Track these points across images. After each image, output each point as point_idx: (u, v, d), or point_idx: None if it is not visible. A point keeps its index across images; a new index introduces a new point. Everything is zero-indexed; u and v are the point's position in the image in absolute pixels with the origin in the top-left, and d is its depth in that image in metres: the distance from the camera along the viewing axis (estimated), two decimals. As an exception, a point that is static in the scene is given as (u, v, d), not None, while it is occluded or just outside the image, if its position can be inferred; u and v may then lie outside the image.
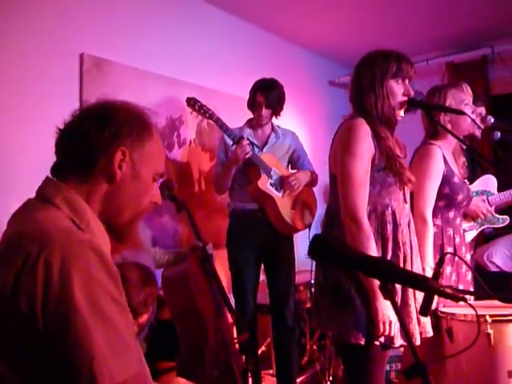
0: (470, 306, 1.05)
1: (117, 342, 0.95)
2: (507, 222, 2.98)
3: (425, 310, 1.58)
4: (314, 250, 0.97)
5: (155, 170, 1.22)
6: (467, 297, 2.48)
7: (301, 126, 4.90)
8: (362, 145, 1.91)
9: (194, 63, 3.86)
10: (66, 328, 0.91)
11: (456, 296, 0.94)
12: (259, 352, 3.81)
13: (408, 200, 2.07)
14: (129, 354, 0.97)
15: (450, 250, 2.37)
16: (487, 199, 2.90)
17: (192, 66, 3.84)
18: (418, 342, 1.95)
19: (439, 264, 1.48)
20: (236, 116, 3.52)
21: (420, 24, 4.56)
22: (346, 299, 1.89)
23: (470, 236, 2.86)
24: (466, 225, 2.82)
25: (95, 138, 1.12)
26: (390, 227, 1.95)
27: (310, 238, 3.23)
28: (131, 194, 1.17)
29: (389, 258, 1.92)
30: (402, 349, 2.37)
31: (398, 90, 1.98)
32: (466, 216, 2.82)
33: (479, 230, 2.90)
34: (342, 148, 1.96)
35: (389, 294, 0.93)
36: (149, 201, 1.22)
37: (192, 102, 3.18)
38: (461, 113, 2.10)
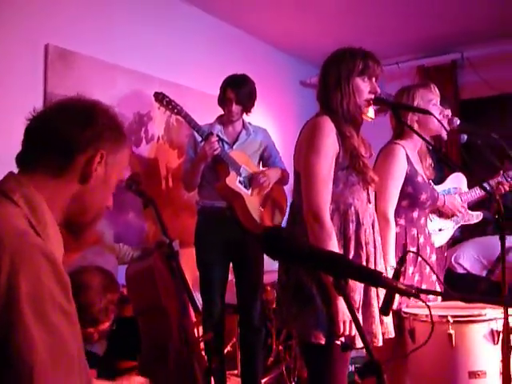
0: (423, 302, 1.03)
1: (61, 354, 0.92)
2: (481, 218, 3.00)
3: (385, 309, 1.57)
4: (266, 244, 0.93)
5: (120, 177, 1.23)
6: (432, 297, 2.50)
7: (272, 125, 4.88)
8: (326, 143, 1.90)
9: (165, 59, 3.80)
10: (8, 335, 0.88)
11: (409, 292, 0.92)
12: (225, 352, 3.77)
13: (372, 200, 2.06)
14: (71, 368, 0.93)
15: (413, 249, 2.37)
16: (460, 197, 2.92)
17: (162, 62, 3.78)
18: (380, 343, 1.94)
19: (400, 263, 1.46)
20: (207, 113, 3.47)
21: (392, 27, 4.60)
22: (307, 298, 1.87)
23: (447, 235, 2.87)
24: (442, 223, 2.84)
25: (75, 136, 1.11)
26: (352, 226, 1.93)
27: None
28: (99, 197, 1.17)
29: (351, 257, 1.91)
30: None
31: (365, 87, 1.97)
32: (442, 215, 2.83)
33: (455, 227, 2.92)
34: (306, 145, 1.94)
35: (341, 291, 0.90)
36: (105, 205, 1.22)
37: (160, 97, 3.11)
38: (427, 112, 2.10)
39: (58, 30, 3.12)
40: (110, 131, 1.15)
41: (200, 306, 3.31)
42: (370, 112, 4.84)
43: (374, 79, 1.99)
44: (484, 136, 2.44)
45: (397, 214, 2.39)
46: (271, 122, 4.89)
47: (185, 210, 3.82)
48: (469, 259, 3.66)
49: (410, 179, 2.42)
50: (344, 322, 1.81)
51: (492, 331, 2.08)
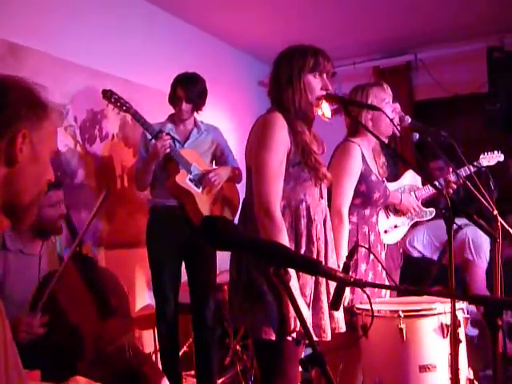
0: (363, 291, 1.03)
1: None
2: (433, 215, 3.06)
3: (335, 303, 1.58)
4: (205, 232, 0.92)
5: (52, 149, 1.17)
6: (384, 293, 2.53)
7: (230, 124, 4.86)
8: (277, 138, 1.89)
9: (119, 56, 3.73)
10: None
11: (347, 281, 0.92)
12: (181, 353, 3.73)
13: (324, 196, 2.06)
14: None
15: (364, 250, 2.39)
16: (415, 194, 2.97)
17: (117, 59, 3.70)
18: (328, 338, 1.94)
19: (349, 257, 1.48)
20: (161, 111, 3.42)
21: (348, 28, 4.66)
22: (257, 295, 1.86)
23: (402, 231, 2.92)
24: (397, 220, 2.88)
25: None
26: (303, 222, 1.93)
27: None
28: (31, 176, 1.11)
29: (302, 252, 1.91)
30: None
31: (316, 84, 1.98)
32: (398, 212, 2.88)
33: (410, 224, 2.97)
34: (257, 141, 1.94)
35: (281, 280, 0.89)
36: (45, 180, 1.17)
37: (108, 95, 3.06)
38: (377, 109, 2.12)
39: (8, 24, 3.02)
40: (27, 108, 1.09)
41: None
42: (327, 112, 4.89)
43: (324, 75, 2.00)
44: (434, 134, 2.48)
45: (350, 211, 2.40)
46: (229, 121, 4.87)
47: (140, 210, 3.75)
48: (421, 242, 3.73)
49: (364, 178, 2.45)
50: (295, 318, 1.80)
51: (442, 325, 2.12)
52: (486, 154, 3.32)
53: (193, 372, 3.63)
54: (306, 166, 1.94)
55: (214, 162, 3.45)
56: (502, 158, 3.35)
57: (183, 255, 3.25)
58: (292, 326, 1.79)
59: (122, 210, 3.69)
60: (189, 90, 3.18)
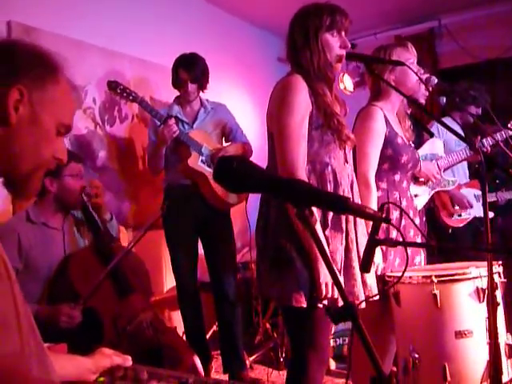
0: (394, 226, 0.97)
1: None
2: (457, 184, 2.96)
3: (366, 265, 1.51)
4: (220, 173, 0.85)
5: (59, 120, 1.07)
6: (417, 262, 2.45)
7: (250, 102, 4.80)
8: (299, 101, 1.83)
9: (136, 36, 3.69)
10: None
11: (377, 217, 0.85)
12: (211, 332, 3.72)
13: (349, 160, 1.99)
14: (5, 331, 0.82)
15: (396, 213, 2.31)
16: (436, 163, 2.88)
17: (133, 39, 3.66)
18: (363, 305, 1.88)
19: (380, 210, 1.40)
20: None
21: (368, -1, 4.52)
22: (286, 261, 1.80)
23: (423, 200, 2.83)
24: (418, 189, 2.79)
25: None
26: (330, 186, 1.87)
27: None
28: (29, 142, 1.03)
29: (330, 219, 1.85)
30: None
31: (335, 43, 1.90)
32: (418, 180, 2.79)
33: (431, 193, 2.88)
34: (277, 105, 1.88)
35: (306, 222, 0.83)
36: (51, 155, 1.08)
37: (113, 86, 3.08)
38: (401, 64, 2.04)
39: (23, 7, 3.01)
40: (30, 66, 1.02)
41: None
42: (349, 85, 4.78)
43: (343, 33, 1.91)
44: (463, 94, 2.37)
45: (378, 177, 2.33)
46: (249, 98, 4.81)
47: (163, 191, 3.73)
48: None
49: (389, 141, 2.36)
50: (326, 284, 1.75)
51: (477, 289, 2.04)
52: None
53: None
54: (328, 128, 1.87)
55: (223, 139, 3.43)
56: None
57: (199, 233, 3.27)
58: (324, 293, 1.74)
59: (146, 191, 3.67)
60: (191, 71, 3.19)
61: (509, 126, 3.05)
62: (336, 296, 1.78)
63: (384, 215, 1.39)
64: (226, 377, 3.25)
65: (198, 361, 2.47)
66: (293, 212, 1.69)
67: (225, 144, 3.43)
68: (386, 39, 4.94)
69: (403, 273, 1.31)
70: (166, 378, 1.36)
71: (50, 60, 1.09)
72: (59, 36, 3.14)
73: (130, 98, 3.09)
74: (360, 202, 2.05)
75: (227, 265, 3.28)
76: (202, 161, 3.19)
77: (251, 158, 3.38)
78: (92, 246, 2.42)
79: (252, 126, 4.18)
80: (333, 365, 3.66)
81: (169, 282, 3.83)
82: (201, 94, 3.34)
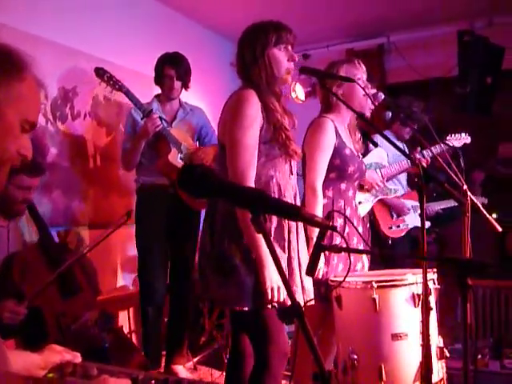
0: (339, 233, 1.05)
1: None
2: (398, 193, 3.12)
3: (311, 269, 1.61)
4: (182, 179, 0.92)
5: (24, 117, 1.09)
6: (359, 268, 2.57)
7: (203, 106, 4.84)
8: (252, 114, 1.92)
9: (92, 33, 3.66)
10: None
11: (325, 225, 0.94)
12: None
13: (294, 172, 2.09)
14: None
15: (340, 220, 2.42)
16: (380, 171, 3.02)
17: (90, 36, 3.63)
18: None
19: (327, 218, 1.50)
20: (137, 92, 3.39)
21: (321, 11, 4.65)
22: (230, 267, 1.89)
23: (367, 207, 2.97)
24: (361, 196, 2.93)
25: None
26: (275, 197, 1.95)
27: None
28: None
29: (273, 228, 1.94)
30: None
31: (282, 57, 2.01)
32: (362, 188, 2.92)
33: (374, 201, 3.03)
34: (231, 117, 1.95)
35: (261, 228, 0.90)
36: (16, 151, 1.09)
37: (101, 73, 3.11)
38: (351, 80, 2.15)
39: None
40: None
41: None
42: (300, 94, 4.91)
43: (289, 47, 2.02)
44: (406, 110, 2.52)
45: (325, 185, 2.43)
46: (202, 103, 4.84)
47: (114, 190, 3.73)
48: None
49: (338, 152, 2.47)
50: (272, 289, 1.83)
51: (413, 295, 2.17)
52: (453, 135, 3.40)
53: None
54: (276, 142, 1.96)
55: (198, 141, 3.50)
56: (468, 140, 3.43)
57: (172, 232, 3.31)
58: (269, 297, 1.82)
59: (96, 190, 3.65)
60: (178, 68, 3.27)
61: (446, 141, 3.24)
62: (282, 300, 1.87)
63: (330, 223, 1.49)
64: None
65: (144, 359, 2.51)
66: (242, 218, 1.77)
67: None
68: (337, 52, 5.12)
69: (345, 277, 1.41)
70: (116, 374, 1.39)
71: (16, 57, 1.11)
72: (15, 30, 3.09)
73: (116, 86, 3.11)
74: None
75: (190, 264, 3.35)
76: (180, 158, 3.24)
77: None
78: (38, 244, 2.41)
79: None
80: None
81: (113, 282, 3.82)
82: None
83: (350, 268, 1.95)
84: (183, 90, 3.38)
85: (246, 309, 1.87)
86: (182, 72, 3.29)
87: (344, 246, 2.45)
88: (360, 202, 2.89)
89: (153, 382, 1.36)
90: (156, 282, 3.22)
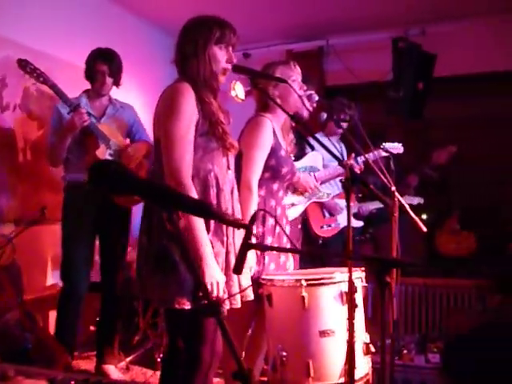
0: (253, 234, 1.07)
1: None
2: (331, 197, 3.18)
3: (238, 267, 1.62)
4: (94, 177, 0.90)
5: None
6: (291, 267, 2.62)
7: (142, 101, 4.76)
8: (186, 108, 1.90)
9: (21, 21, 3.52)
10: None
11: (236, 223, 0.95)
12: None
13: (232, 167, 2.09)
14: None
15: (271, 220, 2.45)
16: (314, 175, 3.08)
17: (19, 24, 3.50)
18: (239, 305, 2.00)
19: (251, 221, 1.51)
20: (67, 84, 3.29)
21: (262, 11, 4.69)
22: (170, 265, 1.86)
23: (299, 209, 3.01)
24: (295, 198, 2.97)
25: None
26: (213, 192, 1.95)
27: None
28: None
29: (212, 224, 1.93)
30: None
31: (221, 56, 2.00)
32: (296, 190, 2.96)
33: (307, 203, 3.07)
34: (165, 111, 1.93)
35: (175, 225, 0.90)
36: None
37: (23, 64, 2.99)
38: (283, 81, 2.18)
39: None
40: None
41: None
42: (240, 93, 4.93)
43: (230, 48, 2.02)
44: (339, 111, 2.58)
45: (258, 185, 2.45)
46: (140, 98, 4.77)
47: (44, 185, 3.61)
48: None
49: (273, 152, 2.49)
50: (211, 284, 1.84)
51: (341, 292, 2.22)
52: (387, 144, 3.49)
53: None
54: (213, 135, 1.96)
55: (127, 139, 3.43)
56: (401, 150, 3.53)
57: (98, 231, 3.25)
58: (209, 291, 1.81)
59: (25, 185, 3.53)
60: (111, 64, 3.20)
61: (381, 146, 3.34)
62: (221, 295, 1.87)
63: (254, 222, 1.51)
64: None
65: (70, 360, 2.45)
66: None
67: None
68: (278, 52, 5.18)
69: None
70: (34, 375, 1.36)
71: None
72: None
73: (41, 79, 3.00)
74: (239, 207, 2.16)
75: (121, 262, 3.32)
76: (109, 154, 3.17)
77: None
78: None
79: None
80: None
81: (43, 280, 3.71)
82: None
83: (277, 264, 1.99)
84: (114, 86, 3.32)
85: (187, 307, 1.84)
86: (114, 68, 3.23)
87: (276, 245, 2.50)
88: (293, 204, 2.94)
89: (72, 382, 1.34)
90: (78, 280, 3.15)
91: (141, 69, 4.81)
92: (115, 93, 3.40)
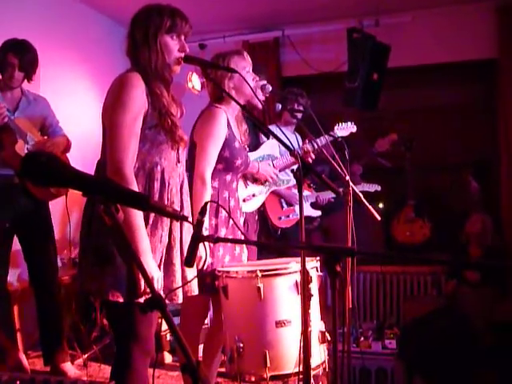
0: (190, 223, 1.06)
1: None
2: (290, 184, 3.18)
3: (189, 260, 1.60)
4: (26, 168, 0.87)
5: None
6: (246, 258, 2.62)
7: (92, 92, 4.67)
8: (133, 97, 1.85)
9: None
10: None
11: (176, 215, 0.93)
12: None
13: (182, 160, 2.05)
14: None
15: (224, 212, 2.43)
16: (272, 163, 3.08)
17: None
18: (180, 300, 1.97)
19: (201, 213, 1.49)
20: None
21: (219, 2, 4.64)
22: (107, 257, 1.83)
23: (260, 199, 3.00)
24: (255, 189, 2.96)
25: None
26: (156, 185, 1.91)
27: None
28: None
29: (151, 217, 1.89)
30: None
31: (174, 46, 1.96)
32: (256, 181, 2.95)
33: (268, 192, 3.07)
34: (112, 101, 1.88)
35: (112, 218, 0.88)
36: None
37: None
38: (235, 71, 2.16)
39: None
40: None
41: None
42: (197, 85, 4.89)
43: (182, 37, 1.98)
44: (292, 101, 2.58)
45: (212, 176, 2.43)
46: (92, 88, 4.68)
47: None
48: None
49: (227, 144, 2.48)
50: (151, 279, 1.80)
51: (296, 283, 2.23)
52: (339, 124, 3.52)
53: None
54: (162, 128, 1.92)
55: (41, 132, 3.31)
56: (354, 129, 3.57)
57: (16, 227, 3.17)
58: (142, 289, 1.79)
59: None
60: (22, 57, 3.06)
61: (331, 132, 3.35)
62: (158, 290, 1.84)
63: (204, 214, 1.49)
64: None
65: (23, 358, 2.39)
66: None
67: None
68: (234, 43, 5.15)
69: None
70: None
71: None
72: None
73: None
74: (190, 200, 2.14)
75: (51, 257, 3.26)
76: (27, 149, 3.10)
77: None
78: None
79: (93, 117, 4.08)
80: (168, 358, 3.73)
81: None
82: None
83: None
84: (26, 81, 3.18)
85: (121, 300, 1.82)
86: (26, 62, 3.08)
87: (230, 237, 2.50)
88: (254, 195, 2.93)
89: (18, 382, 1.31)
90: None
91: (92, 59, 4.71)
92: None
